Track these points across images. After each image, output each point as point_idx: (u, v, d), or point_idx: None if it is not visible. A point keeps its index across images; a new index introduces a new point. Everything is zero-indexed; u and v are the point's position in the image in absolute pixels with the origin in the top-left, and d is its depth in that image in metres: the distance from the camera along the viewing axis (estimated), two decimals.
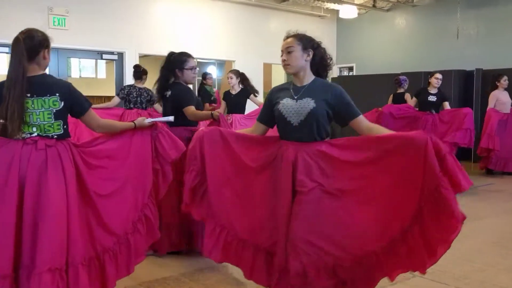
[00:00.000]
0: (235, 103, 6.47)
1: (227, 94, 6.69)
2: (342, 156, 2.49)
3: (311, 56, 2.62)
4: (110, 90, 10.41)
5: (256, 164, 2.64)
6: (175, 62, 3.86)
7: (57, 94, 2.53)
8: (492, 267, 3.57)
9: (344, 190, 2.46)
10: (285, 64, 2.63)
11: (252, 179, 2.64)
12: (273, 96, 2.70)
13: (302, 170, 2.49)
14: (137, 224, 2.79)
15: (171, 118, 3.06)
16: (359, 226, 2.42)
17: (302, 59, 2.60)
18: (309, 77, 2.64)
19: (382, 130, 2.53)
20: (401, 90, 8.08)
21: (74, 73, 14.09)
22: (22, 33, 2.55)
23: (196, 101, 3.89)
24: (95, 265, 2.60)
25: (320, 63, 2.67)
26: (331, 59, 2.74)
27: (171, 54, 3.94)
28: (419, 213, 2.29)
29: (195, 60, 3.93)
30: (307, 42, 2.63)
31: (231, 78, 6.52)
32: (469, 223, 4.85)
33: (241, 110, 6.52)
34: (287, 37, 2.66)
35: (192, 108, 3.72)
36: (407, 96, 7.78)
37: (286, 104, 2.60)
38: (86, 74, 14.67)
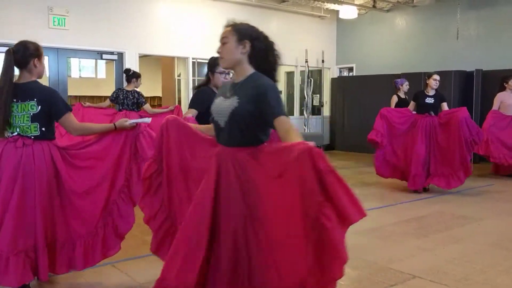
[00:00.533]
0: None
1: None
2: (265, 168, 2.11)
3: (247, 48, 2.29)
4: (109, 90, 10.36)
5: (201, 165, 2.47)
6: (209, 65, 3.82)
7: (35, 99, 2.88)
8: (492, 268, 3.56)
9: (265, 216, 2.07)
10: (220, 57, 2.37)
11: (199, 179, 2.41)
12: (217, 93, 2.49)
13: (225, 187, 2.19)
14: (107, 218, 3.06)
15: (147, 120, 3.17)
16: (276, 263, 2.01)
17: (237, 52, 2.29)
18: (246, 72, 2.30)
19: (292, 136, 2.08)
20: (402, 94, 8.06)
21: (74, 73, 14.10)
22: (15, 45, 2.94)
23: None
24: (68, 247, 2.98)
25: (260, 56, 2.30)
26: (278, 56, 2.35)
27: (211, 58, 3.86)
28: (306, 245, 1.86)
29: None
30: (244, 32, 2.32)
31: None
32: (469, 224, 4.90)
33: None
34: (225, 26, 2.40)
35: (189, 111, 3.70)
36: (393, 98, 7.80)
37: (217, 103, 2.36)
38: (86, 74, 14.69)
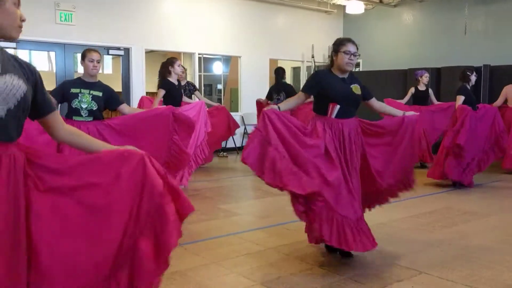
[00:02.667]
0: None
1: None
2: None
3: None
4: (116, 85, 10.42)
5: None
6: (334, 45, 3.55)
7: None
8: (499, 264, 3.55)
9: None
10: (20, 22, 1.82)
11: None
12: None
13: None
14: None
15: None
16: None
17: None
18: None
19: (84, 139, 1.98)
20: (421, 87, 7.95)
21: (81, 69, 14.13)
22: None
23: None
24: None
25: None
26: None
27: (337, 39, 3.61)
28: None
29: (354, 45, 3.50)
30: None
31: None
32: (476, 220, 4.88)
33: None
34: None
35: (298, 95, 3.61)
36: (410, 89, 7.77)
37: None
38: None
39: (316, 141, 3.37)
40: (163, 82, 6.02)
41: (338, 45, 3.50)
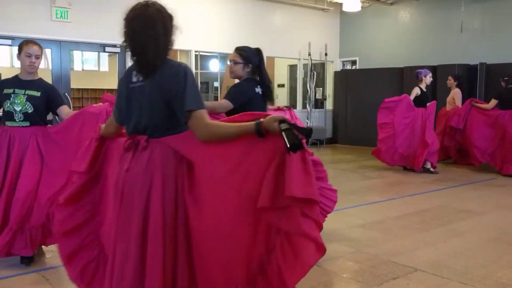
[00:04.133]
0: None
1: None
2: None
3: None
4: (112, 83, 10.41)
5: None
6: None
7: None
8: (493, 262, 3.57)
9: None
10: None
11: None
12: None
13: None
14: None
15: None
16: None
17: None
18: None
19: None
20: (422, 85, 7.53)
21: (77, 66, 14.09)
22: None
23: None
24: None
25: None
26: None
27: None
28: None
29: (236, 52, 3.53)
30: None
31: None
32: (471, 218, 4.90)
33: None
34: None
35: None
36: (414, 90, 7.60)
37: None
38: (89, 67, 14.67)
39: None
40: None
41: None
